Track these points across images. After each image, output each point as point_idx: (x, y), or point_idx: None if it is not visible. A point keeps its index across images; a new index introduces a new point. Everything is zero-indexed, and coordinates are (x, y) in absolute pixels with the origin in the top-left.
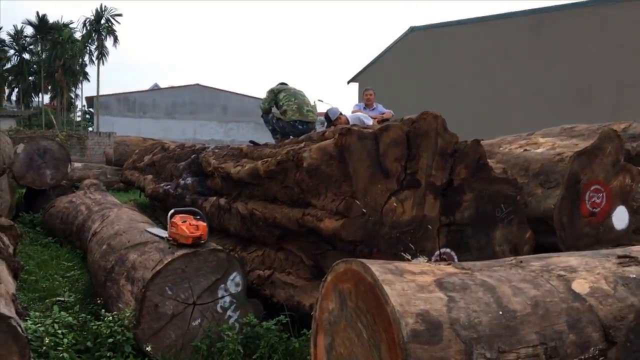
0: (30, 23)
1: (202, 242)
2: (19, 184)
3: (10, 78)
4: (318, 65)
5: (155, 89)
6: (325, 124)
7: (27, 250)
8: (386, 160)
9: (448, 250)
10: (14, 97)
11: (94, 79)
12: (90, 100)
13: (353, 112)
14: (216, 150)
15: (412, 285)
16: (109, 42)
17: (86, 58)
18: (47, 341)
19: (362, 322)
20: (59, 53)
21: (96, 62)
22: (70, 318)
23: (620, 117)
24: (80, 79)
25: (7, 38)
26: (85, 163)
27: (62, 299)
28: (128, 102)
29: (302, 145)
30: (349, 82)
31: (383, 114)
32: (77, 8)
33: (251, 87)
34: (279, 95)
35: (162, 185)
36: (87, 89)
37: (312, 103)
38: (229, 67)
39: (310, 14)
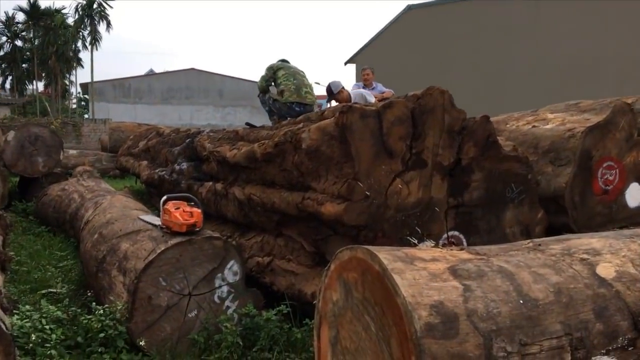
0: (21, 9)
1: (197, 229)
2: (10, 172)
3: (3, 66)
4: (315, 46)
5: (151, 74)
6: (322, 106)
7: (20, 240)
8: (390, 140)
9: (456, 233)
10: (7, 85)
11: (88, 65)
12: (85, 86)
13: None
14: (211, 134)
15: (424, 274)
16: (102, 28)
17: (79, 44)
18: (33, 338)
19: (370, 314)
20: (51, 39)
21: (89, 47)
22: (59, 312)
23: (624, 93)
24: (74, 65)
25: None
26: (80, 150)
27: (54, 290)
28: (123, 88)
29: (301, 125)
30: (346, 64)
31: (383, 92)
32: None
33: (248, 71)
34: (278, 72)
35: (157, 171)
36: (81, 76)
37: (311, 84)
38: (225, 51)
39: None
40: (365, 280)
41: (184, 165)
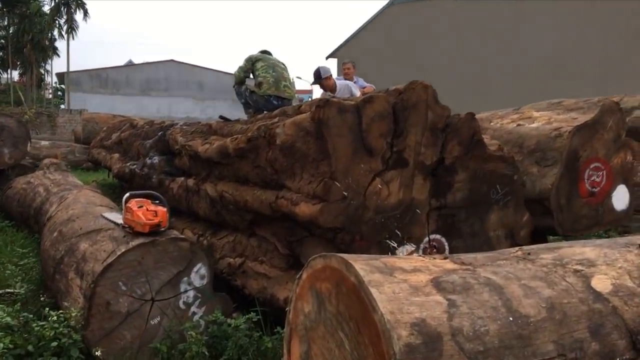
0: None
1: (162, 229)
2: None
3: None
4: (296, 40)
5: (129, 65)
6: (303, 101)
7: None
8: (370, 137)
9: (438, 236)
10: None
11: (65, 55)
12: (61, 76)
13: None
14: (184, 127)
15: (405, 287)
16: (78, 16)
17: (55, 33)
18: None
19: (344, 330)
20: (27, 27)
21: (66, 36)
22: (9, 318)
23: (604, 93)
24: (50, 54)
25: None
26: (53, 141)
27: (11, 290)
28: (100, 79)
29: (276, 120)
30: (327, 58)
31: (364, 87)
32: None
33: (228, 63)
34: (257, 64)
35: (128, 164)
36: (58, 65)
37: (291, 79)
38: (205, 43)
39: None
40: (339, 292)
41: (156, 160)
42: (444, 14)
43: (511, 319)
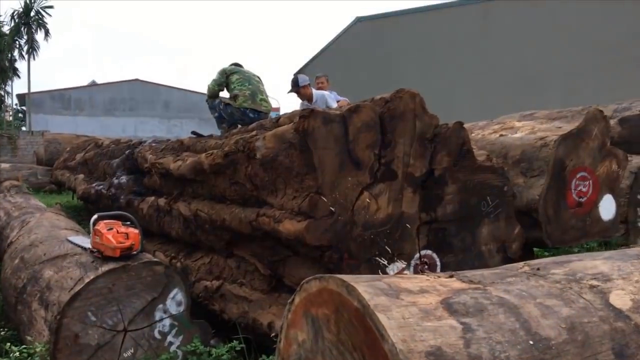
0: None
1: (134, 253)
2: None
3: None
4: (263, 58)
5: (92, 84)
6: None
7: None
8: (357, 148)
9: (429, 252)
10: None
11: (25, 75)
12: (22, 97)
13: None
14: (154, 144)
15: (414, 311)
16: (39, 36)
17: (16, 53)
18: None
19: None
20: None
21: (26, 57)
22: None
23: (570, 105)
24: (10, 75)
25: None
26: (13, 164)
27: None
28: (63, 99)
29: (254, 133)
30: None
31: (338, 101)
32: (4, 0)
33: (194, 82)
34: (232, 77)
35: (94, 185)
36: (18, 87)
37: (267, 93)
38: (170, 62)
39: (255, 6)
40: (339, 318)
41: (124, 179)
42: (411, 29)
43: (531, 342)
